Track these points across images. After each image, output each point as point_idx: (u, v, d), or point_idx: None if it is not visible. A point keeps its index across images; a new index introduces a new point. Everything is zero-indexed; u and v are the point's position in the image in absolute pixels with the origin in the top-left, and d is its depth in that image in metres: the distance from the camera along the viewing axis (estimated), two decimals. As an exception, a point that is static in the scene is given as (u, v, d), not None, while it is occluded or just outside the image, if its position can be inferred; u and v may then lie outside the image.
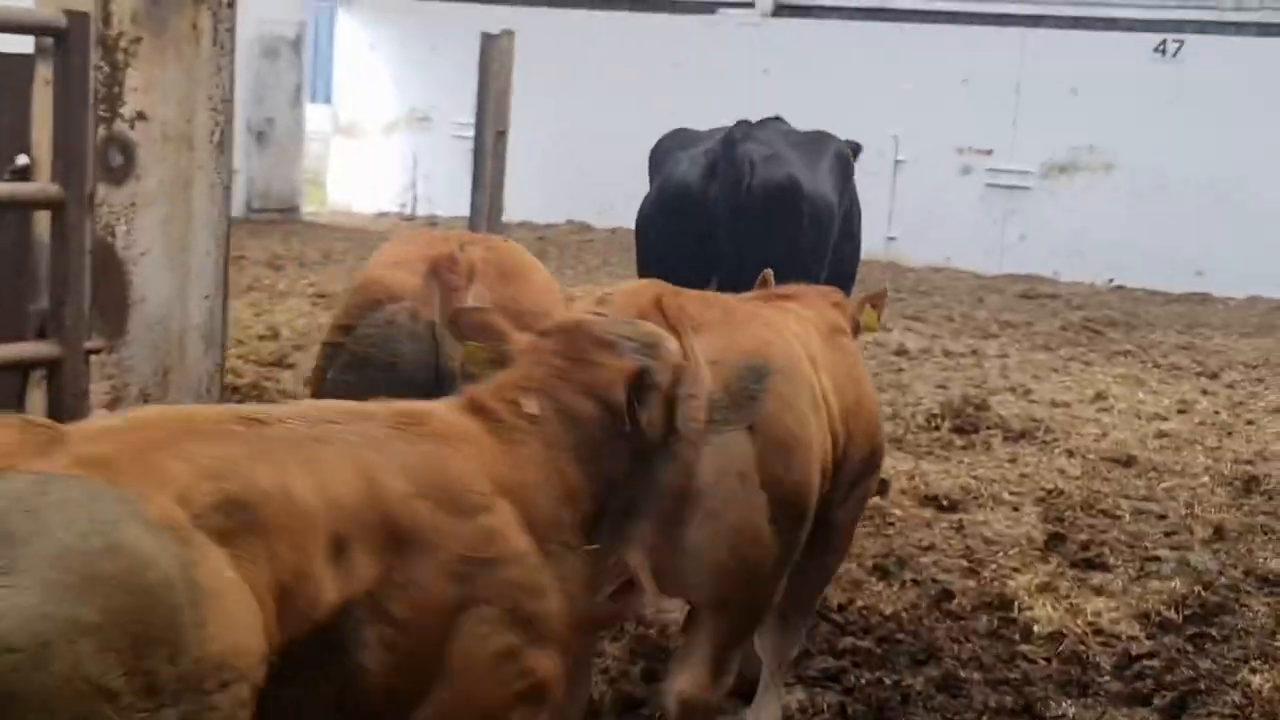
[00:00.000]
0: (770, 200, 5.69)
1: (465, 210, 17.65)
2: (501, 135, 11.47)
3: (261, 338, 10.65)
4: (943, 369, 10.97)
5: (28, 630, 2.05)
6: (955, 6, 17.00)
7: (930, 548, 6.56)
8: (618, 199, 19.24)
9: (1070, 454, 8.38)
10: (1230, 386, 10.77)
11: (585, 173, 19.29)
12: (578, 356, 3.08)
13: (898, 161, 16.76)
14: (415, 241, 4.77)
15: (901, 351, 11.49)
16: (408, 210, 20.85)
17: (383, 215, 20.59)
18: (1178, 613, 5.77)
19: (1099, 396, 10.04)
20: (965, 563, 6.40)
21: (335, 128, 22.17)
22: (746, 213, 5.59)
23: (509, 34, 11.31)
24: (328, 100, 23.82)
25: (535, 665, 2.80)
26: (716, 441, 3.38)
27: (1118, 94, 15.72)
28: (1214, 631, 5.65)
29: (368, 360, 4.08)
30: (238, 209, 19.09)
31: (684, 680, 3.59)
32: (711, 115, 17.73)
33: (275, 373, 9.60)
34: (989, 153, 16.76)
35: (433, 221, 19.67)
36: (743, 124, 6.30)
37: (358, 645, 2.55)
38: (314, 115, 23.61)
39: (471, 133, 17.80)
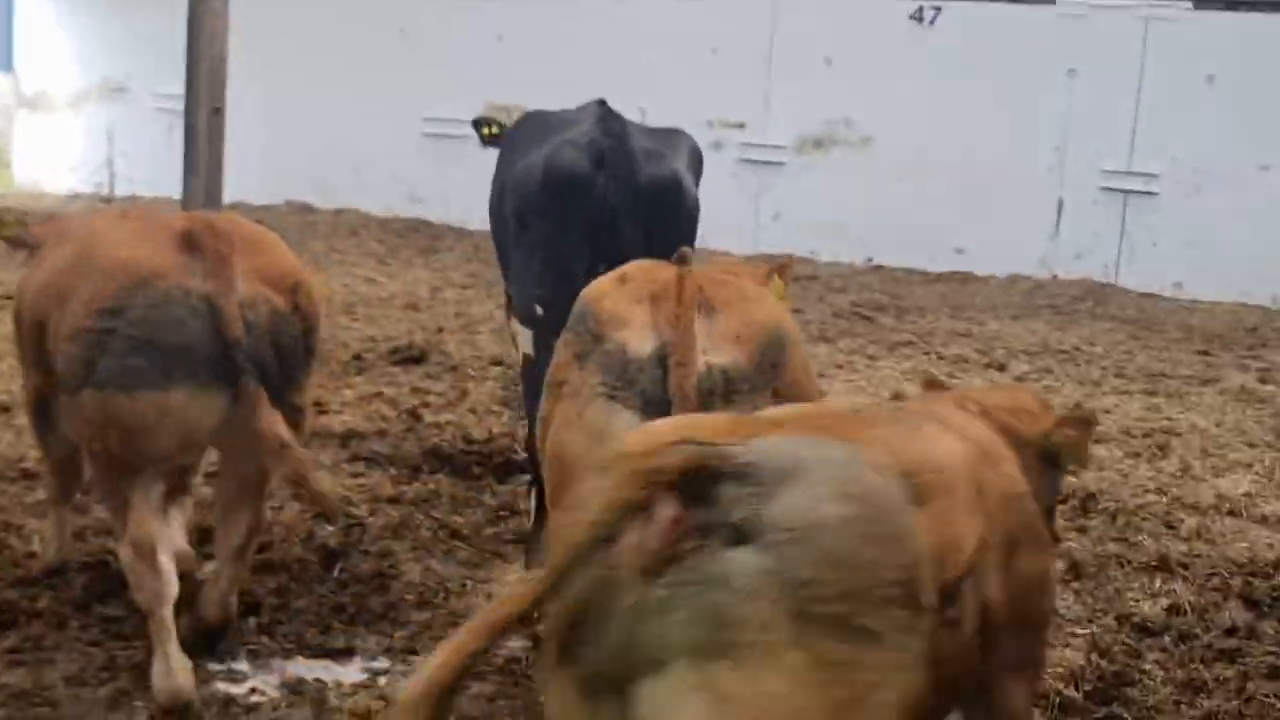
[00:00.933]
0: (658, 195, 5.60)
1: (170, 189, 15.88)
2: (218, 112, 9.91)
3: (-66, 357, 8.87)
4: (724, 369, 10.02)
5: (796, 518, 2.70)
6: (703, -29, 16.07)
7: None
8: (341, 178, 17.76)
9: (888, 472, 7.50)
10: (1020, 379, 10.14)
11: (304, 149, 17.70)
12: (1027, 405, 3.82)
13: (645, 136, 15.75)
14: (132, 218, 4.75)
15: (675, 349, 10.52)
16: (105, 190, 18.84)
17: (76, 196, 18.50)
18: (1077, 689, 4.90)
19: (897, 398, 9.22)
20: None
21: (18, 100, 19.87)
22: (636, 206, 5.51)
23: (222, -12, 9.78)
24: (8, 69, 21.40)
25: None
26: (748, 407, 3.62)
27: (874, 64, 15.07)
28: (1123, 712, 4.79)
29: (151, 343, 4.15)
30: (-95, 193, 16.78)
31: None
32: (442, 88, 16.53)
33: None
34: (741, 126, 15.91)
35: (134, 202, 17.73)
36: (605, 108, 6.00)
37: (987, 584, 3.09)
38: (-8, 84, 21.25)
39: (176, 105, 16.09)
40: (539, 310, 5.59)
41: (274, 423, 4.25)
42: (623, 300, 3.93)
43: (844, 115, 15.47)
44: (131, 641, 4.90)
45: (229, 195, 10.73)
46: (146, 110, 18.49)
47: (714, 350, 3.77)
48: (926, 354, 10.85)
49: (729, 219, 15.32)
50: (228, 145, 10.15)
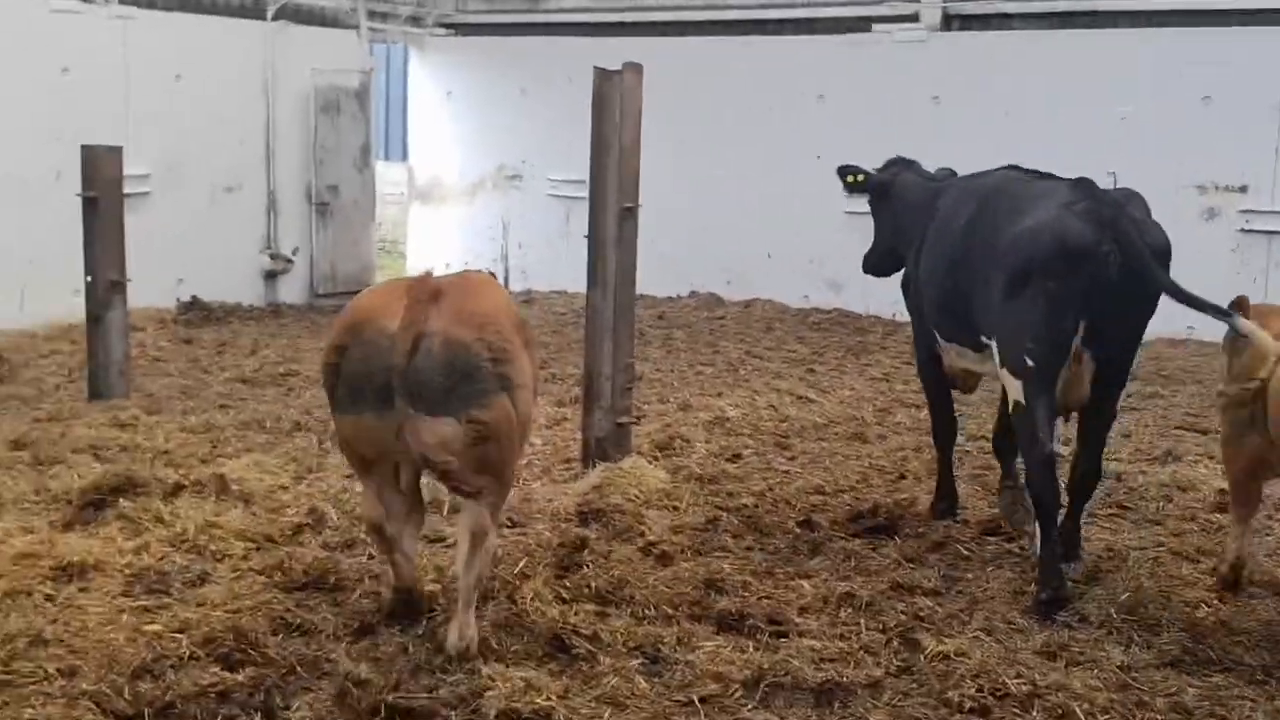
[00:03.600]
0: (1159, 259, 5.92)
1: (567, 281, 14.27)
2: (630, 213, 7.90)
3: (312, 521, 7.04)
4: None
5: None
6: (1195, 2, 13.11)
7: None
8: (751, 264, 15.70)
9: None
10: None
11: (712, 234, 15.76)
12: None
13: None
14: (394, 281, 5.98)
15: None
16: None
17: (470, 292, 17.13)
18: None
19: None
20: None
21: (412, 190, 18.85)
22: (1137, 272, 5.84)
23: (634, 68, 7.73)
24: (403, 157, 20.54)
25: None
26: None
27: None
28: None
29: (355, 377, 5.26)
30: (299, 295, 15.77)
31: None
32: (869, 156, 14.08)
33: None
34: (1242, 190, 12.90)
35: (528, 298, 16.20)
36: (1081, 179, 6.36)
37: None
38: (388, 175, 20.44)
39: (573, 191, 14.44)
40: (1029, 362, 6.06)
41: (428, 432, 5.13)
42: None
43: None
44: None
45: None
46: (540, 198, 17.08)
47: None
48: None
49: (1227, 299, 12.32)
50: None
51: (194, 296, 14.54)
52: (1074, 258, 5.91)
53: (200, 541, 6.61)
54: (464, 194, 18.13)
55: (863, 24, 14.92)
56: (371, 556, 6.39)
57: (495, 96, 17.51)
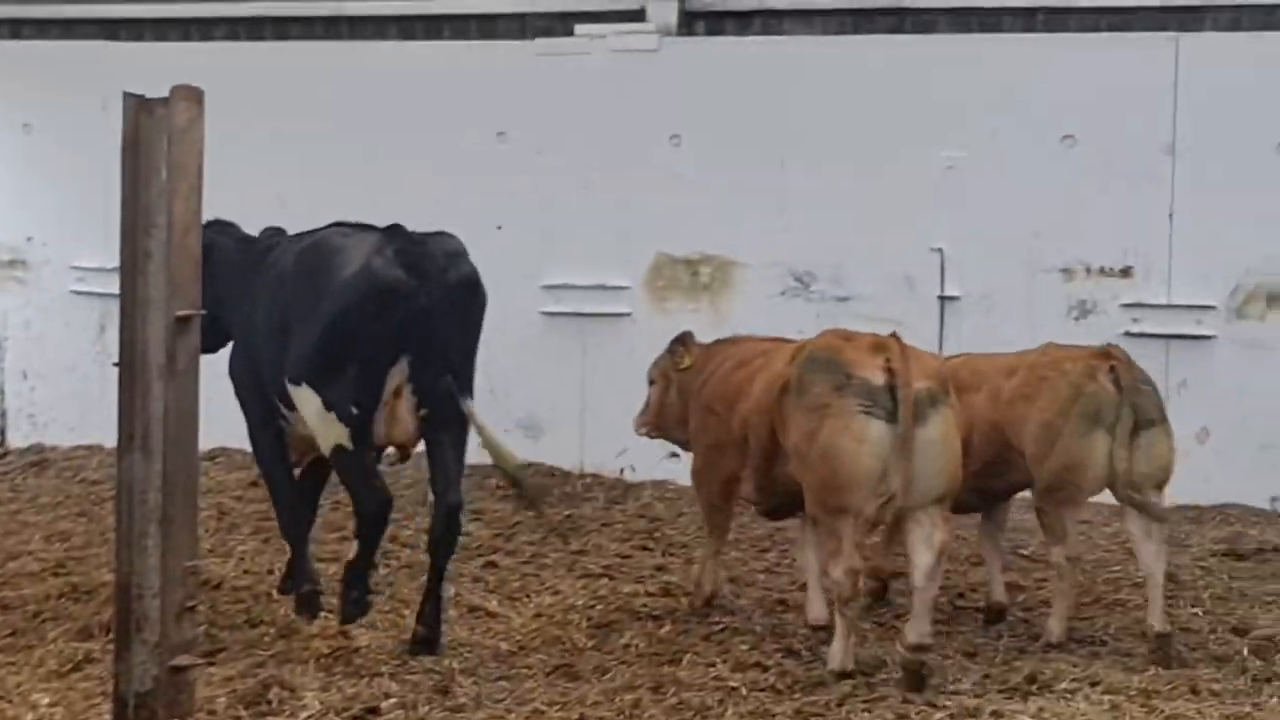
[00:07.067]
0: (466, 291, 9.84)
1: (103, 432, 14.35)
2: (188, 324, 7.92)
3: None
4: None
5: None
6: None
7: None
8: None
9: None
10: None
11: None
12: None
13: (945, 298, 13.76)
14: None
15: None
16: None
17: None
18: None
19: None
20: None
21: None
22: (447, 303, 9.75)
23: (188, 94, 7.66)
24: None
25: None
26: (940, 413, 9.19)
27: None
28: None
29: None
30: None
31: None
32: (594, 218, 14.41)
33: None
34: (1126, 274, 13.99)
35: (39, 459, 16.04)
36: (394, 225, 10.08)
37: None
38: None
39: (114, 286, 14.60)
40: (355, 411, 9.68)
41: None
42: (858, 352, 9.21)
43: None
44: None
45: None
46: (59, 299, 17.36)
47: (919, 379, 9.06)
48: None
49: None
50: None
51: None
52: (385, 298, 9.51)
53: None
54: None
55: (559, 24, 15.56)
56: None
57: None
